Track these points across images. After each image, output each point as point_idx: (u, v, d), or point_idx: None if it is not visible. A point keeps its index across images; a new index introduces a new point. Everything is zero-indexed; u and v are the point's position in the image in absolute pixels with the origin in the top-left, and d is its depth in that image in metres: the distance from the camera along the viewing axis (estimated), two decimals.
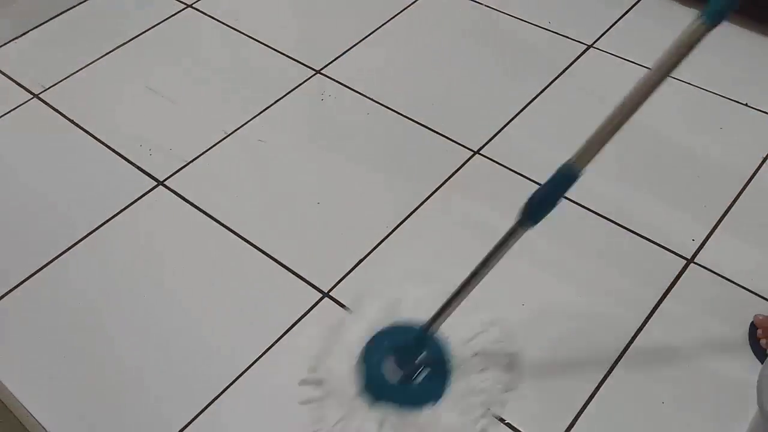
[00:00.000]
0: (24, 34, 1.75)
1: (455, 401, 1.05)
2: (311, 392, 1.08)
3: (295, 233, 1.31)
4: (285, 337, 1.16)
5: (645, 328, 1.15)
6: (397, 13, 1.72)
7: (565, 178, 0.85)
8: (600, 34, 1.64)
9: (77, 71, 1.64)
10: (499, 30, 1.68)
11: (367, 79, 1.57)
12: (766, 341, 1.09)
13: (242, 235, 1.30)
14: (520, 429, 1.05)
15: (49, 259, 1.29)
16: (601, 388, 1.08)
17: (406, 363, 1.07)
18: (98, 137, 1.49)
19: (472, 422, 1.03)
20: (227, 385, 1.11)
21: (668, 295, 1.18)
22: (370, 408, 1.05)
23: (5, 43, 1.72)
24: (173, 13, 1.77)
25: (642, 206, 1.30)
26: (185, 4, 1.80)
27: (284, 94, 1.56)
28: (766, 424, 0.82)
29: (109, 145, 1.47)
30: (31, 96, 1.59)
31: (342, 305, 1.20)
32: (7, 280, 1.26)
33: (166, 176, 1.41)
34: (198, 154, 1.45)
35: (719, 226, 1.27)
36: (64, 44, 1.71)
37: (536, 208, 0.88)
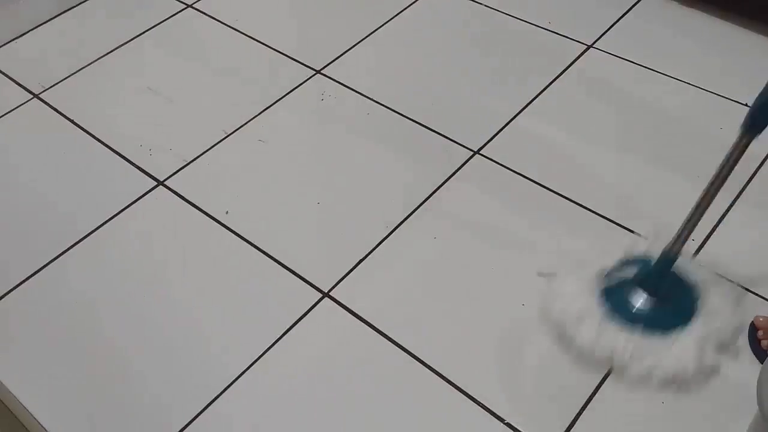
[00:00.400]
0: (24, 34, 1.75)
1: (705, 323, 1.06)
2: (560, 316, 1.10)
3: (295, 233, 1.31)
4: (285, 337, 1.16)
5: None
6: (397, 13, 1.72)
7: None
8: (600, 34, 1.64)
9: (77, 71, 1.64)
10: (499, 30, 1.68)
11: (367, 79, 1.57)
12: (767, 342, 1.09)
13: (242, 235, 1.30)
14: (520, 429, 1.05)
15: (49, 259, 1.29)
16: (601, 388, 1.08)
17: (652, 287, 1.07)
18: (98, 137, 1.49)
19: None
20: (227, 385, 1.11)
21: None
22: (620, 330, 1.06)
23: (5, 43, 1.72)
24: (173, 13, 1.77)
25: (642, 206, 1.30)
26: (185, 4, 1.80)
27: (284, 94, 1.56)
28: (765, 424, 0.82)
29: (109, 145, 1.47)
30: (31, 96, 1.59)
31: (342, 305, 1.20)
32: (8, 279, 1.26)
33: (166, 176, 1.41)
34: (198, 154, 1.45)
35: (719, 226, 1.27)
36: (64, 44, 1.71)
37: (759, 116, 0.87)
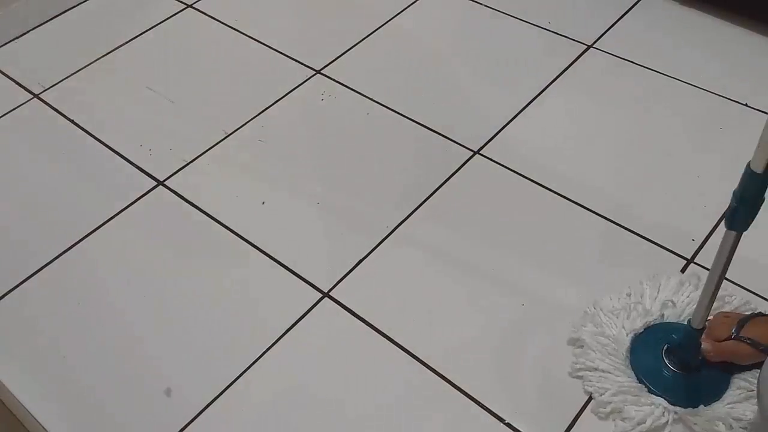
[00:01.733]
0: (24, 34, 1.75)
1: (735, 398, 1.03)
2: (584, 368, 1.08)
3: (295, 233, 1.31)
4: (285, 337, 1.16)
5: None
6: (397, 13, 1.72)
7: None
8: (600, 34, 1.64)
9: (77, 71, 1.64)
10: (499, 30, 1.67)
11: (367, 79, 1.57)
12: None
13: (242, 234, 1.30)
14: (520, 429, 1.05)
15: (50, 259, 1.29)
16: None
17: (682, 358, 1.05)
18: (98, 137, 1.49)
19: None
20: (227, 385, 1.11)
21: None
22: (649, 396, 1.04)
23: (5, 43, 1.72)
24: (173, 13, 1.77)
25: (641, 205, 1.30)
26: (185, 4, 1.80)
27: (284, 94, 1.56)
28: (765, 424, 0.82)
29: (109, 145, 1.47)
30: (31, 96, 1.59)
31: (342, 305, 1.20)
32: (7, 279, 1.26)
33: (166, 176, 1.41)
34: (198, 154, 1.45)
35: (719, 227, 1.27)
36: (64, 44, 1.71)
37: (735, 220, 0.87)
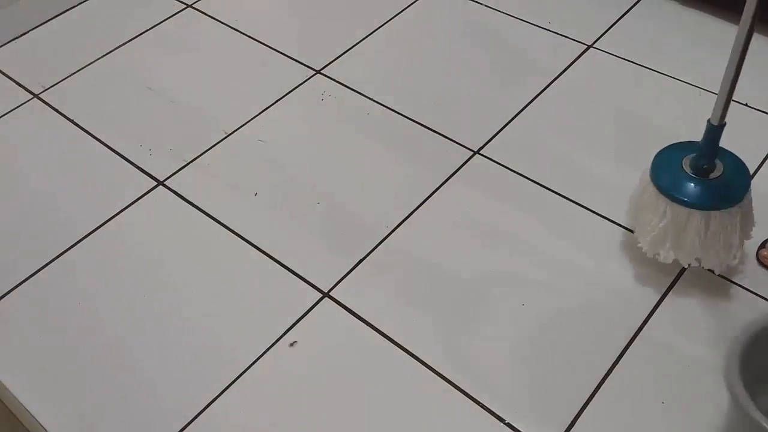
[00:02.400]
0: (24, 34, 1.75)
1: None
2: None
3: (295, 233, 1.31)
4: (285, 337, 1.16)
5: (643, 330, 1.15)
6: (397, 13, 1.72)
7: None
8: (600, 34, 1.64)
9: (77, 71, 1.64)
10: (499, 30, 1.68)
11: (367, 79, 1.57)
12: None
13: (242, 234, 1.30)
14: (520, 429, 1.05)
15: (50, 259, 1.29)
16: (601, 388, 1.09)
17: (704, 160, 1.09)
18: (98, 137, 1.49)
19: None
20: (227, 385, 1.11)
21: (663, 300, 1.18)
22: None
23: (5, 43, 1.72)
24: (173, 13, 1.77)
25: None
26: (185, 4, 1.80)
27: (284, 94, 1.56)
28: (736, 411, 0.82)
29: (109, 144, 1.48)
30: (31, 96, 1.59)
31: (342, 305, 1.20)
32: (7, 279, 1.26)
33: (166, 176, 1.41)
34: (198, 154, 1.45)
35: None
36: (64, 44, 1.71)
37: None
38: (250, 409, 1.09)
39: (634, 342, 1.13)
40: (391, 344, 1.15)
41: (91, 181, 1.42)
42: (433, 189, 1.36)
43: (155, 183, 1.40)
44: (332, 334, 1.17)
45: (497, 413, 1.07)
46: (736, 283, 1.19)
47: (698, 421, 1.05)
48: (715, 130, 1.07)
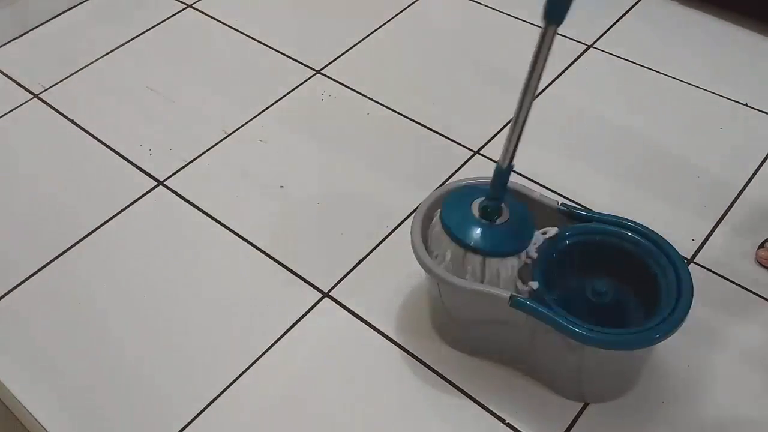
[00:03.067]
0: (24, 34, 1.75)
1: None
2: None
3: (295, 233, 1.31)
4: (285, 337, 1.16)
5: None
6: (397, 13, 1.72)
7: None
8: (600, 34, 1.64)
9: (77, 71, 1.64)
10: (498, 30, 1.68)
11: (367, 79, 1.57)
12: None
13: (242, 235, 1.30)
14: (520, 429, 1.05)
15: (50, 259, 1.29)
16: None
17: (489, 203, 1.03)
18: (98, 137, 1.49)
19: None
20: (227, 385, 1.11)
21: None
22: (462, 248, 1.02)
23: (5, 43, 1.72)
24: (173, 13, 1.77)
25: (641, 206, 1.30)
26: (185, 4, 1.80)
27: (284, 94, 1.56)
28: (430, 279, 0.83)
29: (109, 145, 1.48)
30: (31, 96, 1.59)
31: (342, 305, 1.20)
32: (8, 279, 1.26)
33: (166, 176, 1.41)
34: (198, 154, 1.45)
35: (719, 226, 1.27)
36: (64, 44, 1.71)
37: (555, 6, 0.89)
38: (250, 409, 1.09)
39: None
40: (392, 344, 1.15)
41: (91, 181, 1.42)
42: (434, 189, 1.35)
43: (155, 183, 1.40)
44: (332, 334, 1.17)
45: (497, 413, 1.07)
46: (735, 283, 1.19)
47: (698, 422, 1.05)
48: (502, 173, 1.00)
